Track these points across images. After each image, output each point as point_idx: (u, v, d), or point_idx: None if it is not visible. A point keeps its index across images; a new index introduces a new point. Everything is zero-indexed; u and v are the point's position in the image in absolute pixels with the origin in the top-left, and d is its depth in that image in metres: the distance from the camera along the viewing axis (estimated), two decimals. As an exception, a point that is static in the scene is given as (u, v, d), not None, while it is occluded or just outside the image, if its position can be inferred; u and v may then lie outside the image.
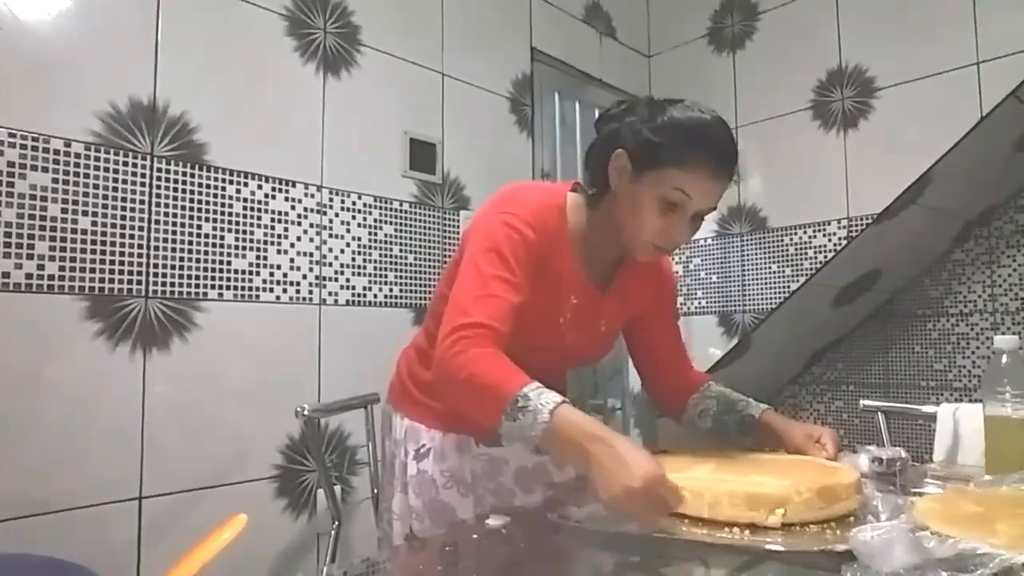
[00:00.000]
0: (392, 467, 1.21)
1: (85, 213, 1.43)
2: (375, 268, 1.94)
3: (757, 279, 2.55)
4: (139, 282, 1.50)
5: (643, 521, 0.80)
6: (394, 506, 1.17)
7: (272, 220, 1.73)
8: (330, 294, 1.84)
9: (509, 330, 0.95)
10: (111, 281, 1.46)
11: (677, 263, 2.79)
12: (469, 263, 1.00)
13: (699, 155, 0.97)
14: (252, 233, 1.69)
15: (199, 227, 1.60)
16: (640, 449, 0.82)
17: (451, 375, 0.92)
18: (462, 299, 0.96)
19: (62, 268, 1.39)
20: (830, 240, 2.36)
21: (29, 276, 1.35)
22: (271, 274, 1.72)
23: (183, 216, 1.58)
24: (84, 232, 1.43)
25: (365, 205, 1.93)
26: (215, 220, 1.63)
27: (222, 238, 1.64)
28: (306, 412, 1.41)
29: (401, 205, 2.02)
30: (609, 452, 0.81)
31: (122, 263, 1.48)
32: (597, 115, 1.14)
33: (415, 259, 2.04)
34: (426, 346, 1.18)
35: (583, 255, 1.09)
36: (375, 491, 1.57)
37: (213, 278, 1.62)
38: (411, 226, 2.04)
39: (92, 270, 1.43)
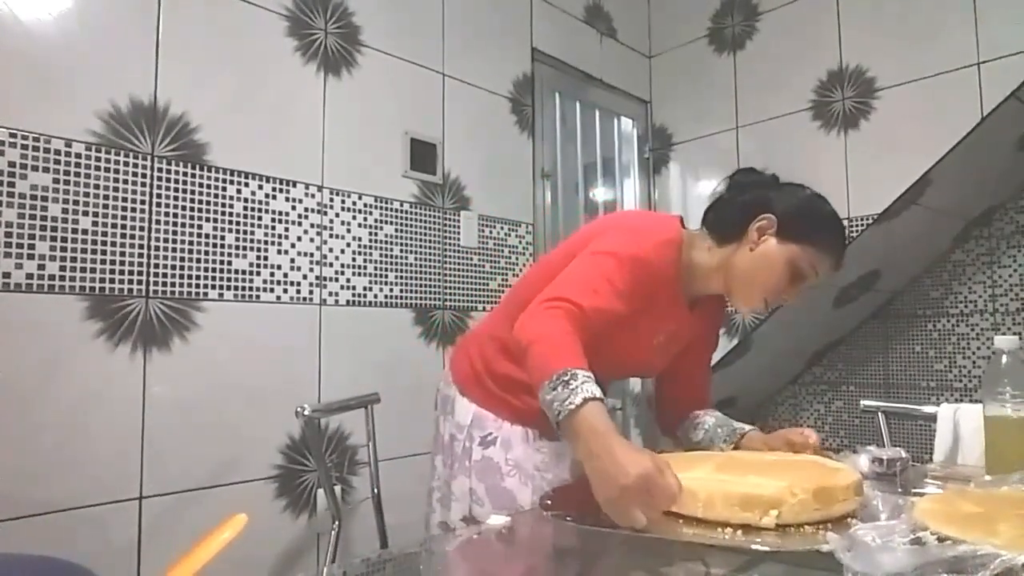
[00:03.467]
0: (450, 448, 1.24)
1: (86, 213, 1.43)
2: (375, 268, 1.95)
3: (757, 279, 2.54)
4: (139, 282, 1.50)
5: (636, 520, 0.80)
6: (454, 488, 1.22)
7: (272, 220, 1.73)
8: (330, 294, 1.84)
9: (594, 326, 1.02)
10: (111, 281, 1.46)
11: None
12: (590, 259, 1.09)
13: (837, 248, 1.15)
14: (252, 233, 1.69)
15: (199, 227, 1.60)
16: (639, 450, 0.84)
17: (529, 328, 1.00)
18: (571, 280, 1.06)
19: (63, 268, 1.40)
20: (830, 240, 2.36)
21: (30, 276, 1.35)
22: (271, 274, 1.72)
23: (183, 216, 1.58)
24: (85, 232, 1.43)
25: (365, 205, 1.93)
26: (215, 220, 1.63)
27: (222, 238, 1.64)
28: (306, 412, 1.41)
29: (401, 205, 2.02)
30: (608, 453, 0.83)
31: (123, 263, 1.48)
32: (739, 170, 1.26)
33: (415, 259, 2.04)
34: (511, 340, 1.19)
35: (686, 287, 1.19)
36: (375, 491, 1.57)
37: (213, 278, 1.62)
38: (412, 226, 2.04)
39: (93, 270, 1.44)
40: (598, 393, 0.89)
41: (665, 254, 1.12)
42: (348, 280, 1.88)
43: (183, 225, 1.58)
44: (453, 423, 1.25)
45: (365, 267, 1.92)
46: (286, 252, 1.75)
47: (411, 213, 2.04)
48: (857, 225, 2.28)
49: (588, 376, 0.91)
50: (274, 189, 1.74)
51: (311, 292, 1.80)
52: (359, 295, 1.90)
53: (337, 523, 1.52)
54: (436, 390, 1.36)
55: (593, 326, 1.02)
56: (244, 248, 1.68)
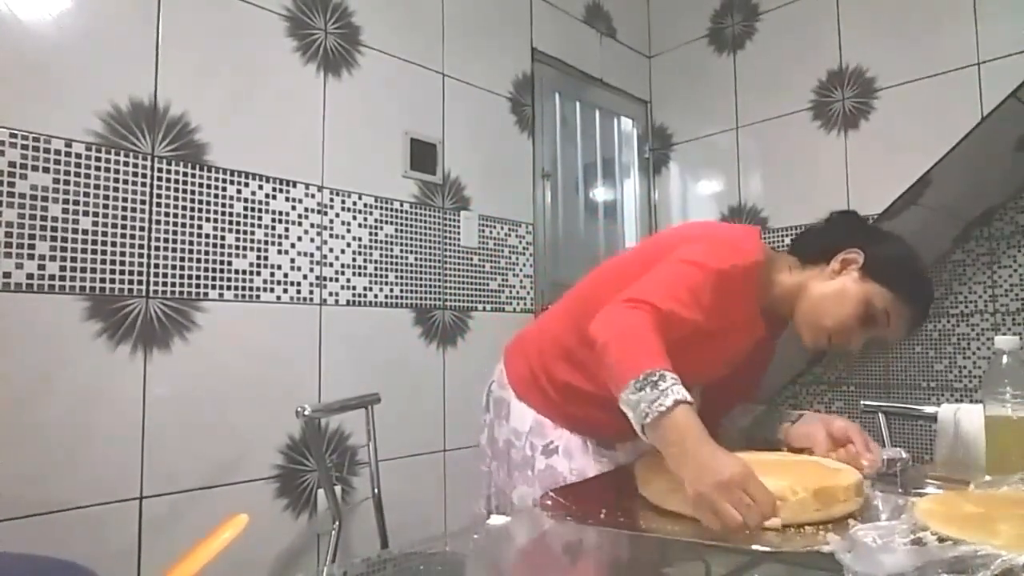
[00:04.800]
0: (507, 455, 1.22)
1: (86, 213, 1.43)
2: (375, 268, 1.94)
3: (757, 279, 2.54)
4: (140, 282, 1.50)
5: (727, 517, 0.78)
6: (515, 497, 1.19)
7: (273, 220, 1.73)
8: (330, 294, 1.84)
9: (672, 332, 0.99)
10: (112, 281, 1.46)
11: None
12: (676, 266, 1.06)
13: (922, 303, 1.11)
14: (253, 233, 1.69)
15: (199, 227, 1.60)
16: (735, 455, 0.83)
17: (609, 324, 0.98)
18: (654, 284, 1.03)
19: (63, 268, 1.40)
20: (830, 240, 2.36)
21: (30, 276, 1.35)
22: (272, 274, 1.72)
23: (183, 216, 1.58)
24: (85, 232, 1.43)
25: (366, 205, 1.93)
26: (216, 220, 1.63)
27: (223, 238, 1.64)
28: (306, 412, 1.41)
29: (401, 205, 2.02)
30: (704, 452, 0.82)
31: (123, 263, 1.48)
32: (843, 211, 1.25)
33: (415, 259, 2.04)
34: (575, 347, 1.16)
35: (763, 306, 1.15)
36: (375, 491, 1.57)
37: (214, 278, 1.62)
38: (412, 226, 2.04)
39: (93, 270, 1.44)
40: (688, 397, 0.87)
41: (750, 274, 1.09)
42: (348, 280, 1.88)
43: (183, 225, 1.58)
44: (509, 428, 1.22)
45: (365, 267, 1.92)
46: (286, 252, 1.75)
47: (411, 213, 2.04)
48: (857, 225, 2.28)
49: (675, 378, 0.88)
50: (274, 189, 1.74)
51: (311, 292, 1.80)
52: (359, 295, 1.90)
53: (337, 523, 1.52)
54: (487, 391, 1.32)
55: (671, 332, 0.99)
56: (244, 248, 1.68)
